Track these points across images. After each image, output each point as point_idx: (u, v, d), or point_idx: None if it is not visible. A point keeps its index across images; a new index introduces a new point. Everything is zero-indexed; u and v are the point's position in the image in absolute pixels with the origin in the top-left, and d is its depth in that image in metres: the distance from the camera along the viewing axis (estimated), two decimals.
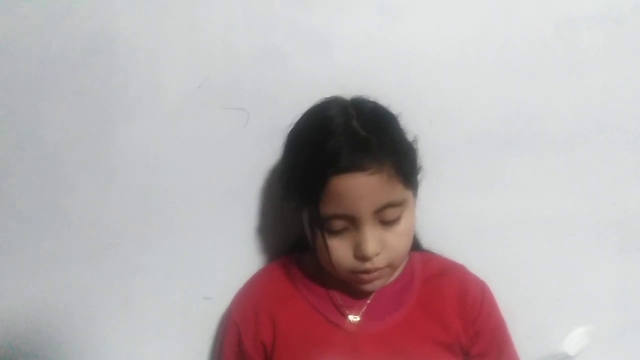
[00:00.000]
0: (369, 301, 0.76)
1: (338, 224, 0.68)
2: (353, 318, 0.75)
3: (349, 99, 0.73)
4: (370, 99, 0.74)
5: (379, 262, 0.69)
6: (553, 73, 0.85)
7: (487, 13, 0.83)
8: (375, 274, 0.71)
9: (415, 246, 0.83)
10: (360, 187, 0.65)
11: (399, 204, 0.69)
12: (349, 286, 0.76)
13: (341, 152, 0.65)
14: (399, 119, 0.74)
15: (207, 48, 0.82)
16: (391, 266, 0.72)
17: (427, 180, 0.81)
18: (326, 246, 0.69)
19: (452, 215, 0.87)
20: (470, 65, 0.84)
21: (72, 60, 0.81)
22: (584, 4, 0.83)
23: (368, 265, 0.69)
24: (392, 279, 0.77)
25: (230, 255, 0.86)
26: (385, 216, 0.68)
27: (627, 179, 0.87)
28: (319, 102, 0.74)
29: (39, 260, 0.85)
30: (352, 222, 0.68)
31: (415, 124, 0.78)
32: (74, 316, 0.86)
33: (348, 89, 0.76)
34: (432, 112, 0.85)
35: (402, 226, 0.70)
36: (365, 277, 0.71)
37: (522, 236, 0.88)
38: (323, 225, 0.69)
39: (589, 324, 0.89)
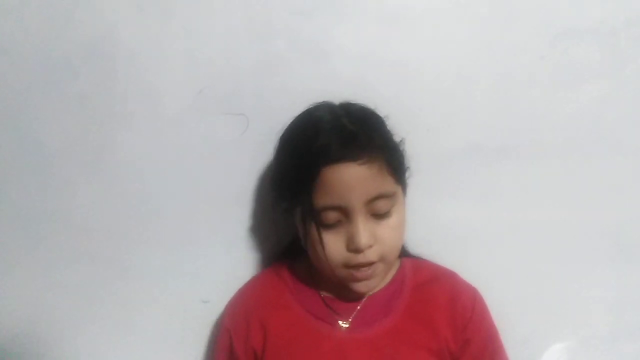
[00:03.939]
0: (359, 307, 0.76)
1: (331, 216, 0.69)
2: (343, 324, 0.76)
3: (337, 103, 0.76)
4: (358, 102, 0.76)
5: (371, 255, 0.70)
6: (549, 83, 0.86)
7: (484, 24, 0.85)
8: (369, 271, 0.71)
9: (402, 252, 0.84)
10: (352, 177, 0.67)
11: (389, 196, 0.70)
12: (341, 291, 0.76)
13: (331, 145, 0.67)
14: (386, 120, 0.76)
15: (208, 55, 0.83)
16: (384, 261, 0.72)
17: (422, 187, 0.82)
18: (320, 240, 0.70)
19: (446, 222, 0.87)
20: (467, 75, 0.85)
21: (74, 65, 0.83)
22: (579, 16, 0.84)
23: (360, 258, 0.70)
24: (382, 284, 0.78)
25: (228, 259, 0.87)
26: (377, 208, 0.69)
27: (620, 188, 0.87)
28: (308, 107, 0.76)
29: (37, 262, 0.86)
30: (345, 214, 0.69)
31: (412, 132, 0.79)
32: (71, 318, 0.87)
33: (346, 97, 0.77)
34: (429, 120, 0.86)
35: (393, 220, 0.71)
36: (359, 274, 0.71)
37: (516, 244, 0.88)
38: (316, 218, 0.70)
39: (579, 334, 0.89)
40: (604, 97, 0.86)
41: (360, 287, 0.73)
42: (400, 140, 0.76)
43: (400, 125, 0.80)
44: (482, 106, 0.86)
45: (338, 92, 0.78)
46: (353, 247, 0.69)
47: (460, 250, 0.86)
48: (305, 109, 0.76)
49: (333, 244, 0.71)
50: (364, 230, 0.69)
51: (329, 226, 0.70)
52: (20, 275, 0.86)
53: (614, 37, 0.85)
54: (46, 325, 0.87)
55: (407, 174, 0.77)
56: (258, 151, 0.84)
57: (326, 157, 0.67)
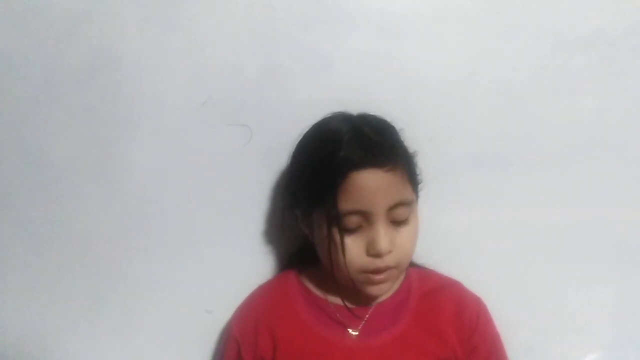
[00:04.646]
0: (368, 315, 0.77)
1: (353, 221, 0.70)
2: (353, 332, 0.76)
3: (354, 114, 0.77)
4: (373, 114, 0.77)
5: (389, 260, 0.71)
6: (549, 92, 0.87)
7: (486, 35, 0.86)
8: (384, 275, 0.72)
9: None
10: (378, 182, 0.69)
11: (408, 204, 0.72)
12: (351, 299, 0.77)
13: (358, 152, 0.69)
14: (400, 132, 0.77)
15: (212, 66, 0.84)
16: (398, 267, 0.74)
17: (425, 195, 0.83)
18: (342, 244, 0.71)
19: (449, 230, 0.88)
20: (469, 84, 0.86)
21: (79, 76, 0.83)
22: (579, 27, 0.86)
23: (379, 263, 0.71)
24: (390, 292, 0.79)
25: (232, 269, 0.87)
26: (397, 215, 0.71)
27: (622, 195, 0.89)
28: (324, 117, 0.77)
29: (40, 270, 0.86)
30: (367, 220, 0.70)
31: (415, 141, 0.80)
32: (73, 327, 0.87)
33: (349, 107, 0.77)
34: (431, 129, 0.86)
35: (410, 227, 0.73)
36: (376, 277, 0.72)
37: (519, 252, 0.89)
38: (339, 222, 0.70)
39: (583, 342, 0.90)
40: (604, 106, 0.87)
41: (374, 290, 0.74)
42: (414, 152, 0.77)
43: (404, 134, 0.81)
44: (484, 115, 0.87)
45: (340, 101, 0.78)
46: (374, 252, 0.70)
47: (463, 259, 0.86)
48: (321, 119, 0.76)
49: (353, 248, 0.71)
50: (385, 235, 0.70)
51: (350, 231, 0.71)
52: (23, 283, 0.86)
53: (613, 47, 0.86)
54: (48, 334, 0.87)
55: (419, 186, 0.78)
56: (262, 161, 0.85)
57: (353, 162, 0.69)
